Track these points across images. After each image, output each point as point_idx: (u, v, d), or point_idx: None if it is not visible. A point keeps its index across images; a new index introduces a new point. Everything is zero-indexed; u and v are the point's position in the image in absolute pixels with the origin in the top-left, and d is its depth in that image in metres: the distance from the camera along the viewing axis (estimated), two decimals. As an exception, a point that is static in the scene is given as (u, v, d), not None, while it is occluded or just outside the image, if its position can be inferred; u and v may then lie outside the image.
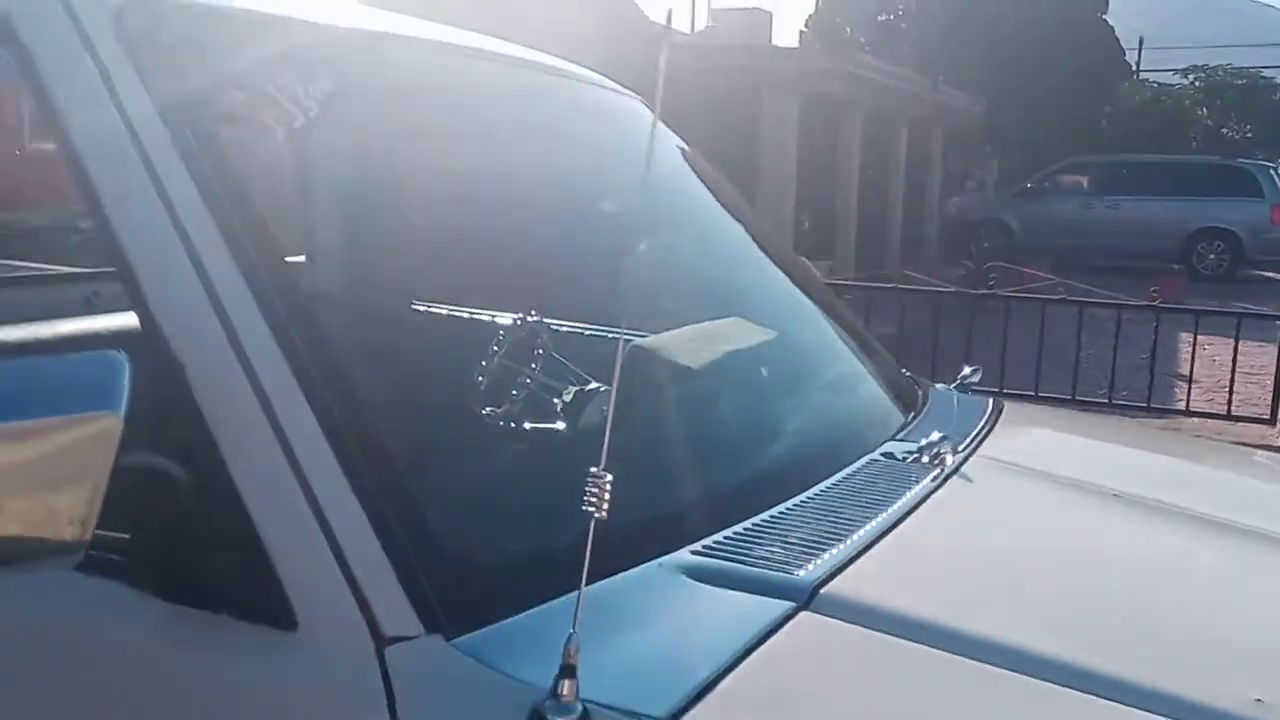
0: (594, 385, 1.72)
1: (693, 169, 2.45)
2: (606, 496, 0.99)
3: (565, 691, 0.95)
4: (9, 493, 0.97)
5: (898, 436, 1.75)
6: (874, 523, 1.36)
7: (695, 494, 1.40)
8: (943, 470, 1.60)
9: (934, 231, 17.95)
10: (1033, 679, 1.07)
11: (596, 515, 0.98)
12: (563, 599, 1.09)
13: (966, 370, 2.36)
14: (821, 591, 1.17)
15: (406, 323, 2.30)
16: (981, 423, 1.96)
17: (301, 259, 3.10)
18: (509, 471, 1.39)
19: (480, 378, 1.61)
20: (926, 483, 1.54)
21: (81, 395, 1.00)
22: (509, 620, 1.05)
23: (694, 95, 9.76)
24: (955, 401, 2.12)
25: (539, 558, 1.15)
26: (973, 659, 1.10)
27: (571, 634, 0.96)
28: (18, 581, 1.06)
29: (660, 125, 2.53)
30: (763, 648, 1.08)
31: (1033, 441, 1.99)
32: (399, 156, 2.81)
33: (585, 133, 2.49)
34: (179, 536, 1.09)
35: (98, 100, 1.15)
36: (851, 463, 1.59)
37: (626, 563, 1.18)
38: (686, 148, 2.48)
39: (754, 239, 2.43)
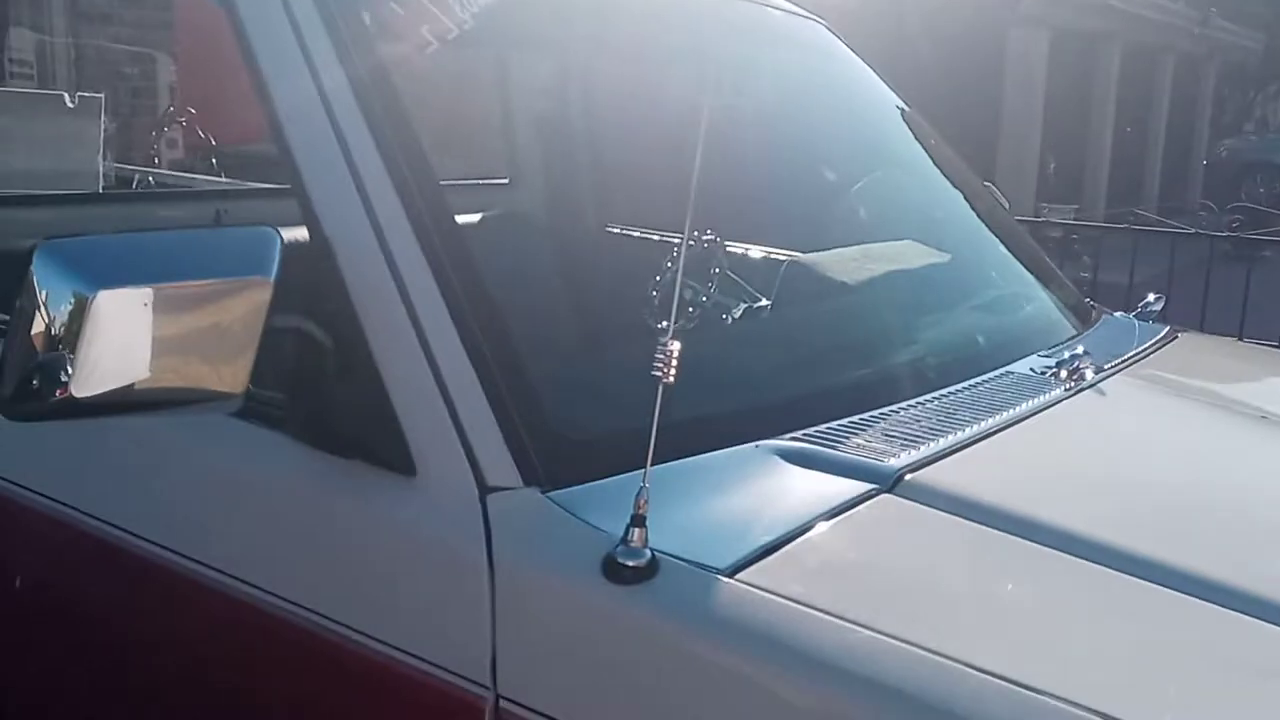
0: (760, 301, 1.80)
1: (879, 94, 2.46)
2: (674, 364, 1.07)
3: (634, 539, 1.05)
4: (178, 345, 1.14)
5: (1043, 353, 1.74)
6: (982, 424, 1.39)
7: (808, 388, 1.47)
8: (1078, 384, 1.59)
9: (1199, 176, 16.81)
10: (1094, 564, 1.10)
11: (664, 380, 1.07)
12: (655, 468, 1.19)
13: (1150, 298, 2.30)
14: (906, 478, 1.22)
15: (577, 237, 2.43)
16: (1142, 346, 1.92)
17: (505, 180, 3.29)
18: (616, 357, 1.48)
19: (654, 292, 1.73)
20: (1055, 394, 1.55)
21: (239, 262, 1.16)
22: (599, 481, 1.16)
23: (930, 29, 9.49)
24: (1124, 327, 2.08)
25: (633, 432, 1.25)
26: (1044, 545, 1.13)
27: (642, 487, 1.06)
28: (187, 422, 1.25)
29: (846, 49, 2.55)
30: (834, 520, 1.14)
31: (1191, 365, 1.93)
32: (595, 81, 2.94)
33: (771, 56, 2.54)
34: (323, 393, 1.24)
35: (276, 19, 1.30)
36: (985, 373, 1.61)
37: (726, 441, 1.27)
38: (872, 72, 2.49)
39: (937, 164, 2.42)
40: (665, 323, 1.55)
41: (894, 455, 1.27)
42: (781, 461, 1.25)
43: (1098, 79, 13.43)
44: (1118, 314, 2.21)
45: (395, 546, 1.18)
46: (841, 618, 0.99)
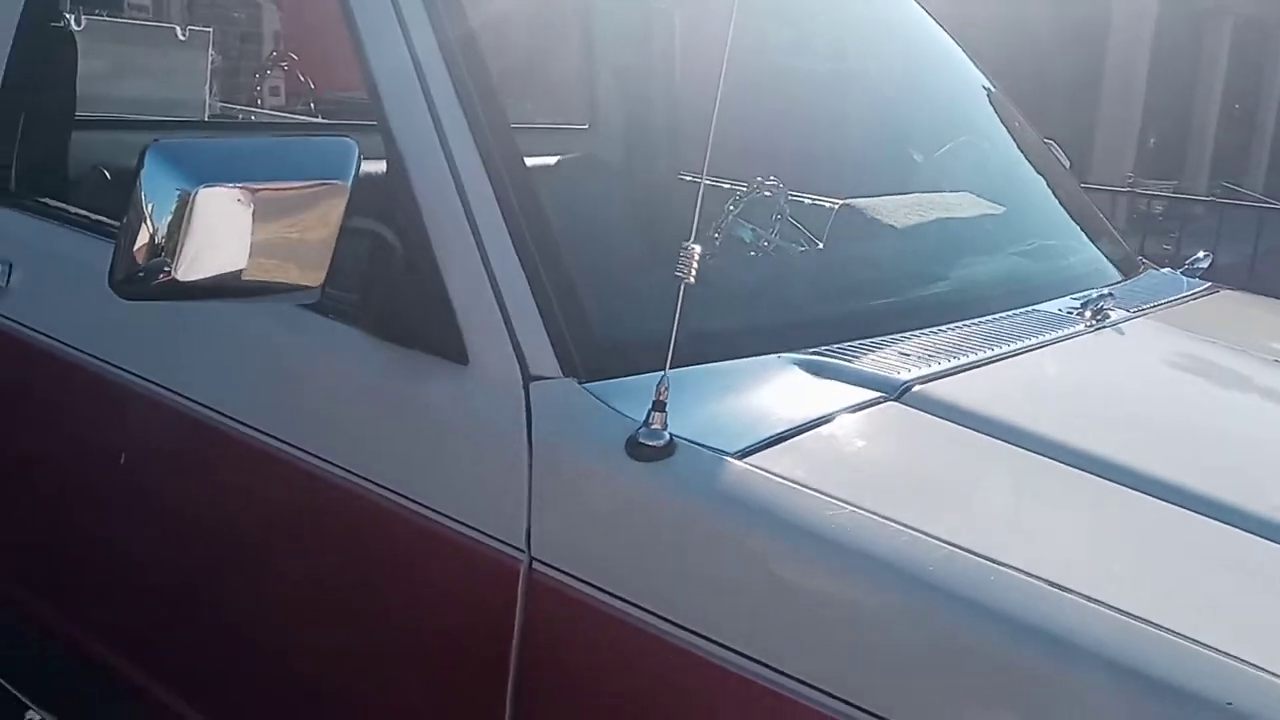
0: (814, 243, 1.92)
1: (952, 53, 2.55)
2: (695, 265, 1.19)
3: (655, 422, 1.18)
4: (266, 239, 1.29)
5: (1075, 295, 1.83)
6: (996, 349, 1.49)
7: (837, 311, 1.59)
8: (1100, 323, 1.68)
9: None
10: (1080, 471, 1.20)
11: (686, 281, 1.19)
12: (683, 369, 1.32)
13: (1200, 254, 2.36)
14: (914, 389, 1.33)
15: (646, 179, 2.55)
16: (1177, 296, 2.00)
17: (585, 126, 3.42)
18: (657, 275, 1.60)
19: (715, 234, 1.86)
20: (1075, 329, 1.64)
21: (322, 168, 1.31)
22: (631, 377, 1.29)
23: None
24: (1165, 280, 2.15)
25: (664, 337, 1.38)
26: (1034, 452, 1.23)
27: (663, 376, 1.19)
28: (269, 313, 1.42)
29: (918, 6, 2.63)
30: (840, 420, 1.26)
31: (1224, 316, 2.00)
32: (676, 31, 3.05)
33: (851, 11, 2.64)
34: (391, 292, 1.40)
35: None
36: (1013, 309, 1.71)
37: (752, 351, 1.39)
38: (937, 22, 2.57)
39: (1000, 119, 2.50)
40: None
41: (905, 370, 1.38)
42: (799, 370, 1.37)
43: (1205, 54, 13.11)
44: (1164, 270, 2.28)
45: (447, 425, 1.34)
46: (837, 499, 1.11)
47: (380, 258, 1.40)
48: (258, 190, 1.28)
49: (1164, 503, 1.16)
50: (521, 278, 1.33)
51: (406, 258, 1.39)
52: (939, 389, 1.35)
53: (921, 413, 1.30)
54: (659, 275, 1.62)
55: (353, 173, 1.32)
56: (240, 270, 1.28)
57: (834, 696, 1.02)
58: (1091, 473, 1.20)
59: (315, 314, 1.43)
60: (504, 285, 1.33)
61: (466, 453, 1.31)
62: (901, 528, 1.07)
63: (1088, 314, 1.71)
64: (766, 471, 1.15)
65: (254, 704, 1.59)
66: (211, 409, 1.54)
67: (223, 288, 1.29)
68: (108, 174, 2.26)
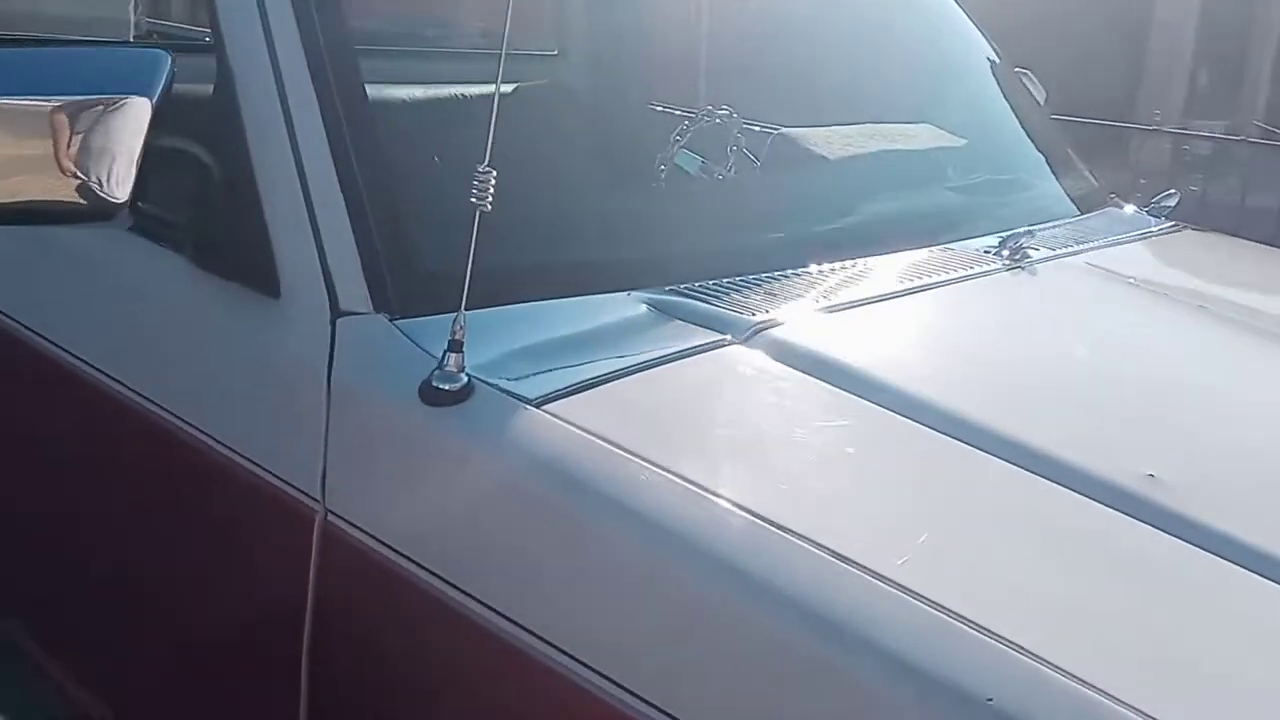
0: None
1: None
2: (490, 192, 1.08)
3: (450, 364, 1.08)
4: (60, 158, 1.19)
5: (1003, 234, 1.68)
6: (881, 289, 1.37)
7: (716, 246, 1.46)
8: (1015, 263, 1.55)
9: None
10: (928, 429, 1.08)
11: (481, 208, 1.08)
12: (514, 307, 1.21)
13: (1170, 192, 2.20)
14: (765, 331, 1.21)
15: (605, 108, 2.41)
16: (1126, 235, 1.85)
17: (555, 51, 3.28)
18: (502, 208, 1.48)
19: (661, 165, 1.74)
20: (985, 268, 1.50)
21: (124, 81, 1.20)
22: (448, 314, 1.18)
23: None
24: (1120, 218, 2.00)
25: (495, 272, 1.27)
26: (882, 408, 1.11)
27: (458, 314, 1.08)
28: (95, 235, 1.32)
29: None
30: (665, 365, 1.14)
31: (1169, 258, 1.85)
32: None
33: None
34: (213, 218, 1.30)
35: None
36: (925, 247, 1.57)
37: (600, 287, 1.27)
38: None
39: (972, 48, 2.35)
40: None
41: (764, 310, 1.26)
42: (645, 309, 1.25)
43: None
44: (1127, 207, 2.12)
45: (255, 363, 1.24)
46: (630, 452, 1.00)
47: (204, 183, 1.30)
48: (50, 104, 1.18)
49: (1008, 467, 1.04)
50: (341, 207, 1.22)
51: (228, 183, 1.28)
52: (793, 332, 1.22)
53: (766, 358, 1.18)
54: (507, 208, 1.50)
55: (160, 87, 1.21)
56: (29, 193, 1.19)
57: (600, 674, 0.92)
58: (935, 430, 1.08)
59: (139, 237, 1.33)
60: (322, 215, 1.22)
61: (273, 393, 1.21)
62: (696, 490, 0.95)
63: (1005, 252, 1.58)
64: (564, 421, 1.04)
65: (72, 628, 1.53)
66: (38, 333, 1.46)
67: (12, 212, 1.19)
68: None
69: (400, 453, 1.10)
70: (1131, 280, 1.60)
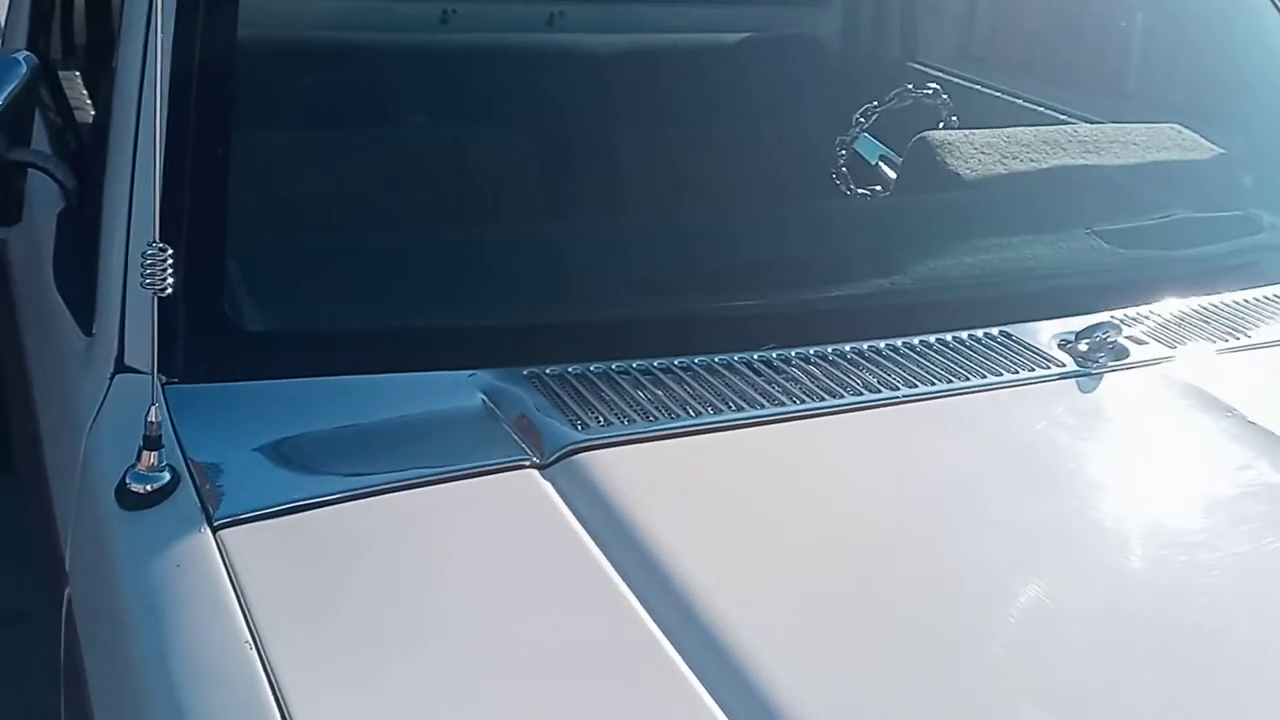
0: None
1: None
2: (166, 271, 0.89)
3: (142, 462, 0.91)
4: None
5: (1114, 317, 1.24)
6: (822, 402, 1.03)
7: (646, 313, 1.16)
8: (1089, 374, 1.13)
9: None
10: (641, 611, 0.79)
11: (156, 292, 0.89)
12: (328, 379, 1.02)
13: None
14: (574, 456, 0.94)
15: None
16: None
17: None
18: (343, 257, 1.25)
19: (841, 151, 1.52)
20: (1033, 375, 1.11)
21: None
22: (282, 380, 1.02)
23: None
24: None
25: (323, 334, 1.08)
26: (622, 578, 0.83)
27: (151, 406, 0.91)
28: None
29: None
30: (423, 490, 0.91)
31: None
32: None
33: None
34: (69, 242, 1.21)
35: None
36: (978, 330, 1.19)
37: (448, 363, 1.05)
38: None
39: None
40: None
41: (611, 422, 0.98)
42: (466, 401, 1.01)
43: None
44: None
45: (66, 400, 1.13)
46: (263, 608, 0.79)
47: (65, 202, 1.21)
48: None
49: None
50: (159, 250, 1.07)
51: (85, 204, 1.19)
52: (612, 461, 0.94)
53: (553, 491, 0.91)
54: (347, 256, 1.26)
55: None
56: None
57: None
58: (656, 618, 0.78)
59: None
60: (135, 253, 1.07)
61: (65, 444, 1.10)
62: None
63: (1085, 349, 1.16)
64: (225, 550, 0.85)
65: None
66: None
67: None
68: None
69: (98, 554, 0.95)
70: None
